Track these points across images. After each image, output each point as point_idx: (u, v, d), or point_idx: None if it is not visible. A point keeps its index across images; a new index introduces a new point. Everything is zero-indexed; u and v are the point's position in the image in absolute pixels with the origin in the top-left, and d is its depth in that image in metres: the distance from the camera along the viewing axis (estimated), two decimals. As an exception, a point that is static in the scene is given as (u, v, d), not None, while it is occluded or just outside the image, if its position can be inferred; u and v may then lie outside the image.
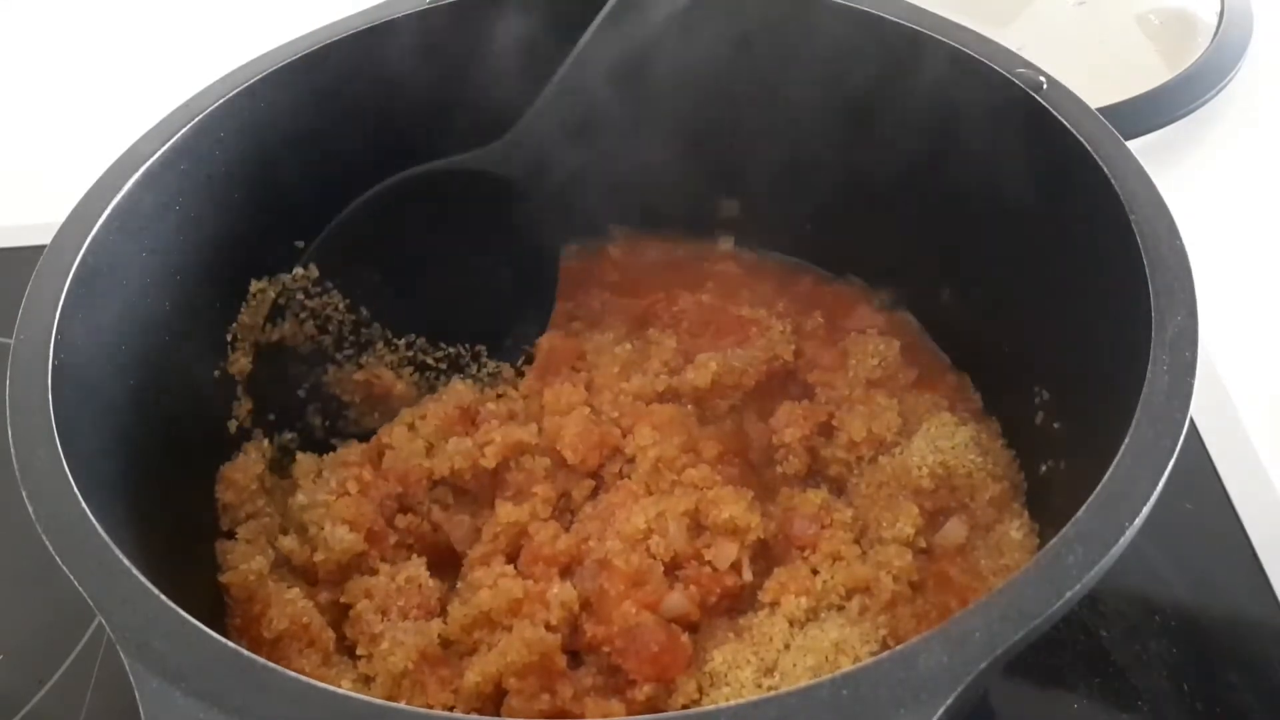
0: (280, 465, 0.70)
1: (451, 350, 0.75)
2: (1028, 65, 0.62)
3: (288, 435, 0.71)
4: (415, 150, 0.72)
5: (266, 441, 0.68)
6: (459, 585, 0.64)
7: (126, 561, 0.43)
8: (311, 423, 0.72)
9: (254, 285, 0.68)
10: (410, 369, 0.74)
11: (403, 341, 0.74)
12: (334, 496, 0.65)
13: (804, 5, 0.69)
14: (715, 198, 0.82)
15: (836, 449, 0.68)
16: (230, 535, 0.64)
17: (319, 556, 0.62)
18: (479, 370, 0.75)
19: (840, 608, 0.60)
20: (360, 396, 0.73)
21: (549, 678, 0.57)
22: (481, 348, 0.75)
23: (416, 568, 0.63)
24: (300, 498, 0.65)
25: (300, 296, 0.70)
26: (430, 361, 0.74)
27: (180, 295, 0.62)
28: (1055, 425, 0.62)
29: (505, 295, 0.75)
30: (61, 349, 0.51)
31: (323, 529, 0.63)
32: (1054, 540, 0.42)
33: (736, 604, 0.62)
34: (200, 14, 1.25)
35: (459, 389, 0.71)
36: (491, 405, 0.70)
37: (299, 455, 0.69)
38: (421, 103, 0.71)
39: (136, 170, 0.59)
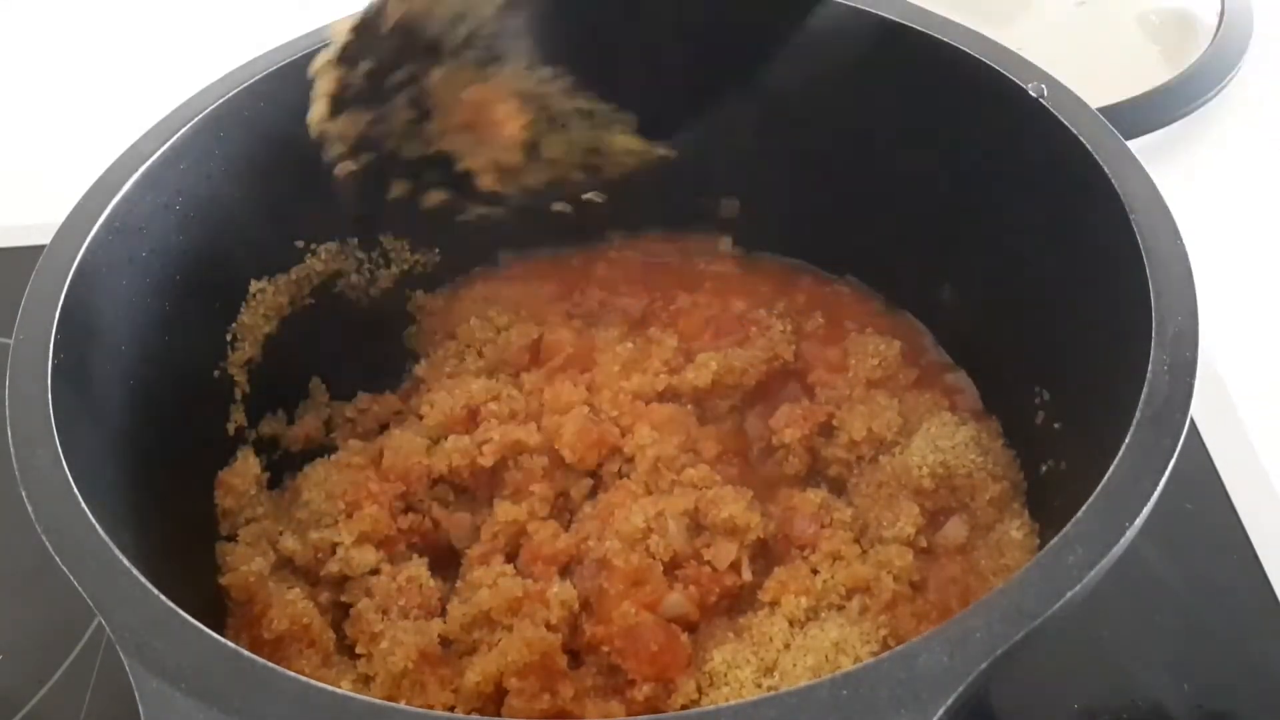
0: (280, 466, 0.70)
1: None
2: (1028, 67, 0.62)
3: (284, 425, 0.71)
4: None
5: (262, 458, 0.68)
6: (459, 584, 0.64)
7: (126, 561, 0.43)
8: (317, 401, 0.73)
9: (254, 285, 0.68)
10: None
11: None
12: (346, 513, 0.65)
13: (803, 4, 0.69)
14: (715, 198, 0.82)
15: (836, 449, 0.68)
16: (230, 538, 0.64)
17: (333, 568, 0.63)
18: None
19: (840, 607, 0.60)
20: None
21: (550, 677, 0.57)
22: None
23: (417, 567, 0.63)
24: (308, 511, 0.66)
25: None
26: None
27: (180, 295, 0.62)
28: (1055, 425, 0.62)
29: None
30: (61, 349, 0.51)
31: (337, 544, 0.63)
32: (1054, 540, 0.42)
33: (736, 604, 0.62)
34: (200, 14, 1.25)
35: (471, 387, 0.71)
36: (493, 405, 0.70)
37: (305, 469, 0.69)
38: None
39: (136, 170, 0.59)
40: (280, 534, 0.64)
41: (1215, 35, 1.04)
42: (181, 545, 0.59)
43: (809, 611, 0.59)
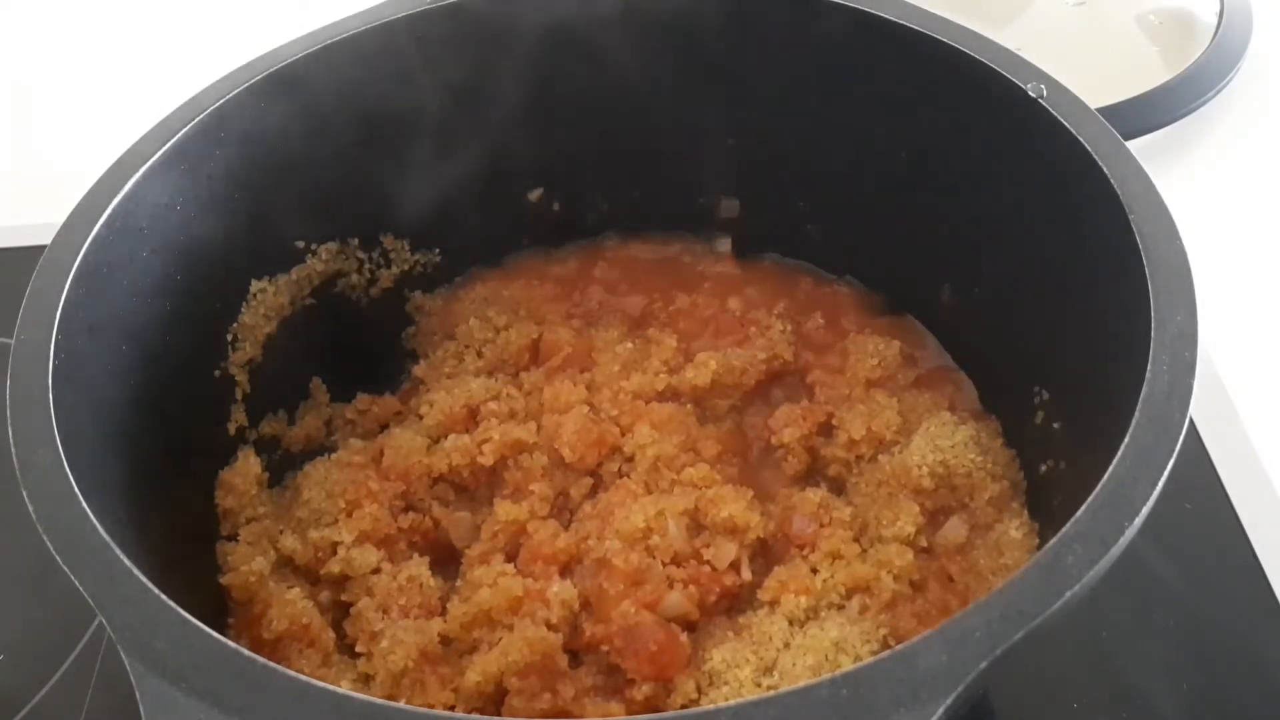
0: (280, 466, 0.70)
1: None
2: (1028, 67, 0.62)
3: (285, 425, 0.71)
4: (418, 150, 0.73)
5: (263, 458, 0.68)
6: (459, 584, 0.64)
7: (127, 561, 0.43)
8: (318, 401, 0.73)
9: (254, 285, 0.68)
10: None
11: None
12: (346, 512, 0.65)
13: (803, 5, 0.69)
14: (715, 197, 0.82)
15: (836, 448, 0.68)
16: (231, 537, 0.64)
17: (334, 568, 0.62)
18: None
19: (840, 607, 0.60)
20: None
21: (550, 677, 0.57)
22: None
23: (418, 566, 0.63)
24: (308, 510, 0.66)
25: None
26: None
27: (180, 295, 0.62)
28: (1055, 425, 0.62)
29: None
30: (61, 349, 0.51)
31: (338, 544, 0.63)
32: (1054, 540, 0.42)
33: (736, 603, 0.62)
34: (201, 14, 1.25)
35: (471, 386, 0.71)
36: (493, 404, 0.70)
37: (305, 466, 0.69)
38: (424, 102, 0.71)
39: (136, 170, 0.59)
40: (280, 533, 0.64)
41: (1215, 35, 1.04)
42: (182, 545, 0.59)
43: (809, 611, 0.59)
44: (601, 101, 0.75)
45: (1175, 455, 0.44)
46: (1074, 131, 0.58)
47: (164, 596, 0.42)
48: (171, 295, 0.61)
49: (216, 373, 0.67)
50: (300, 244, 0.71)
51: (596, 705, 0.57)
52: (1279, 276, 0.89)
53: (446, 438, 0.68)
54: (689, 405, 0.71)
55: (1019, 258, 0.65)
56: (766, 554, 0.64)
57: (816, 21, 0.69)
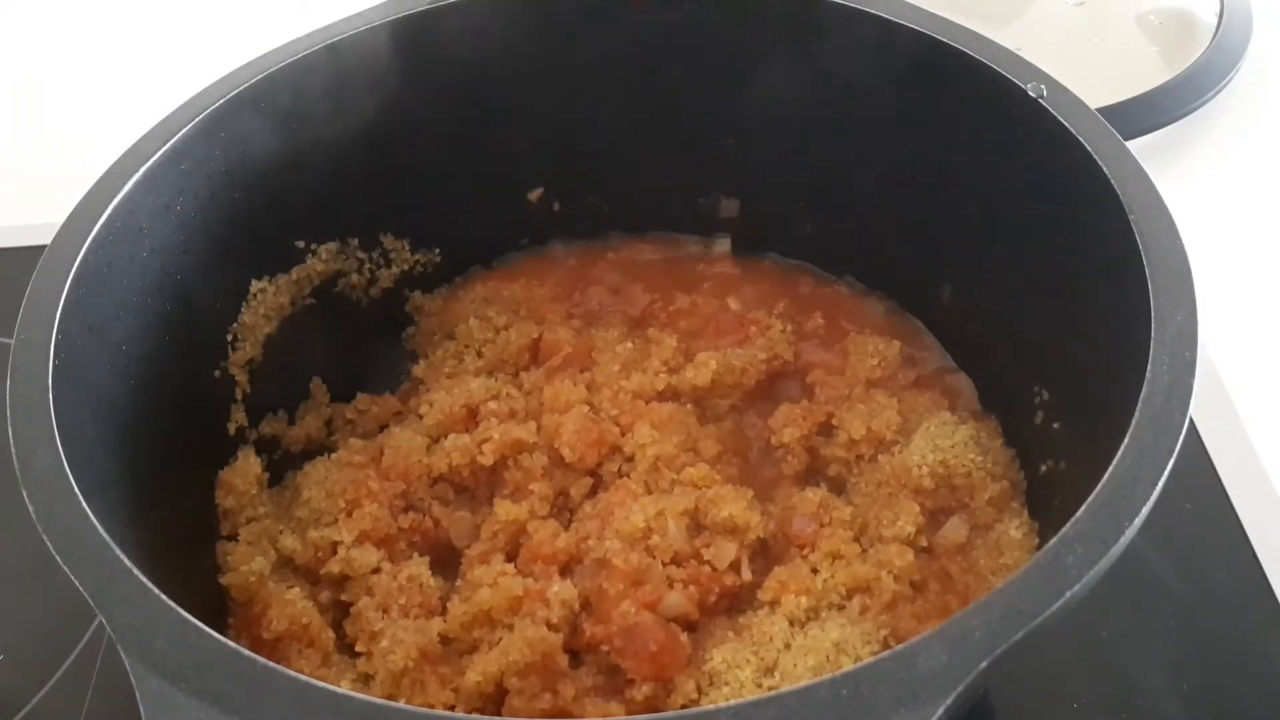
0: (280, 465, 0.70)
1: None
2: (1028, 67, 0.62)
3: (285, 425, 0.71)
4: (418, 150, 0.73)
5: (263, 457, 0.68)
6: (459, 583, 0.64)
7: (127, 561, 0.43)
8: (319, 401, 0.73)
9: (254, 285, 0.68)
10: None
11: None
12: (346, 512, 0.65)
13: (804, 5, 0.69)
14: (715, 198, 0.82)
15: (836, 448, 0.68)
16: (231, 537, 0.64)
17: (334, 568, 0.62)
18: None
19: (841, 607, 0.60)
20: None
21: (551, 677, 0.57)
22: None
23: (418, 566, 0.63)
24: (308, 510, 0.66)
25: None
26: None
27: (180, 295, 0.62)
28: (1055, 425, 0.62)
29: None
30: (61, 349, 0.51)
31: (338, 543, 0.63)
32: (1054, 540, 0.42)
33: (736, 603, 0.62)
34: (200, 14, 1.25)
35: (470, 386, 0.71)
36: (493, 404, 0.70)
37: (305, 466, 0.69)
38: (423, 103, 0.71)
39: (136, 170, 0.59)
40: (280, 533, 0.64)
41: (1215, 35, 1.04)
42: (182, 545, 0.59)
43: (809, 611, 0.59)
44: (601, 101, 0.75)
45: (1175, 455, 0.44)
46: (1074, 131, 0.58)
47: (164, 596, 0.42)
48: (171, 295, 0.61)
49: (216, 373, 0.67)
50: (300, 244, 0.71)
51: (596, 705, 0.57)
52: (1279, 276, 0.89)
53: (446, 438, 0.68)
54: (689, 405, 0.71)
55: (1019, 258, 0.65)
56: (766, 554, 0.64)
57: (816, 21, 0.69)
